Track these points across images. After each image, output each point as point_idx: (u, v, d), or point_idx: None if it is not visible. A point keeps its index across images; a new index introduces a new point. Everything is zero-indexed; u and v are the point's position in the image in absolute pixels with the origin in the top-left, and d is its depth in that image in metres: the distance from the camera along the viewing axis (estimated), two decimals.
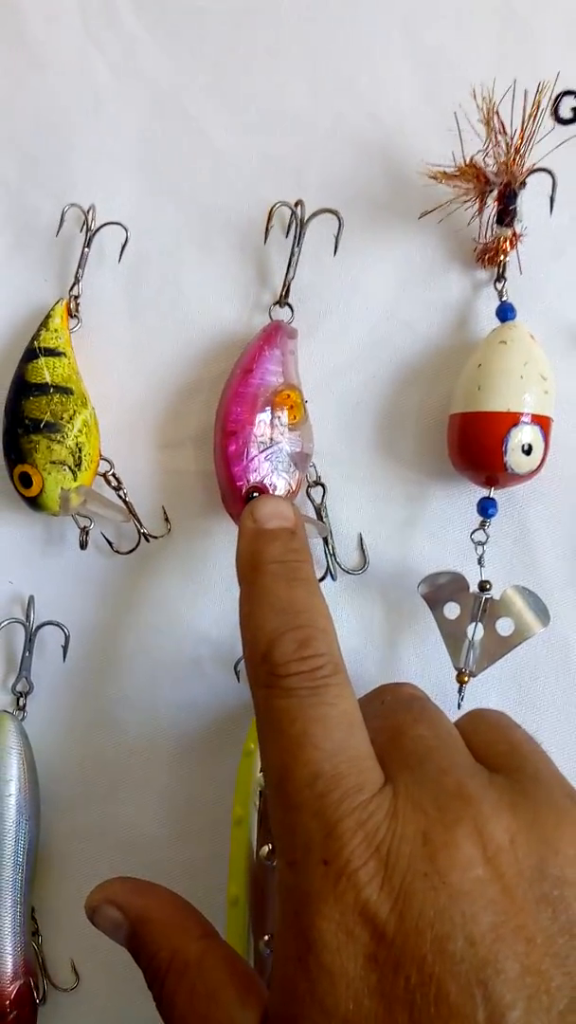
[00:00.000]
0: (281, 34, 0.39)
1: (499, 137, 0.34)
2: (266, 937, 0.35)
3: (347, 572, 0.38)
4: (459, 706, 0.36)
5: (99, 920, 0.30)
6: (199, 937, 0.28)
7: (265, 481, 0.36)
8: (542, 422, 0.35)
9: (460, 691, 0.36)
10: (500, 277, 0.37)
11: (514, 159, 0.34)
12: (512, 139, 0.34)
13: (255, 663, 0.28)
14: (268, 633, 0.28)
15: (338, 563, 0.38)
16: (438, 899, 0.23)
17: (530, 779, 0.27)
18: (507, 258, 0.37)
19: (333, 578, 0.38)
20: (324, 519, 0.38)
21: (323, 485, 0.38)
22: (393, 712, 0.30)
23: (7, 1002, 0.36)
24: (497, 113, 0.34)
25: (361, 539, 0.39)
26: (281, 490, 0.36)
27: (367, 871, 0.24)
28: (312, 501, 0.38)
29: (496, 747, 0.29)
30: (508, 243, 0.36)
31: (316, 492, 0.38)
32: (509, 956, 0.23)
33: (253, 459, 0.36)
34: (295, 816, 0.25)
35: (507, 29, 0.39)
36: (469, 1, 0.39)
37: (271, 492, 0.35)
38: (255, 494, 0.35)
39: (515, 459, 0.34)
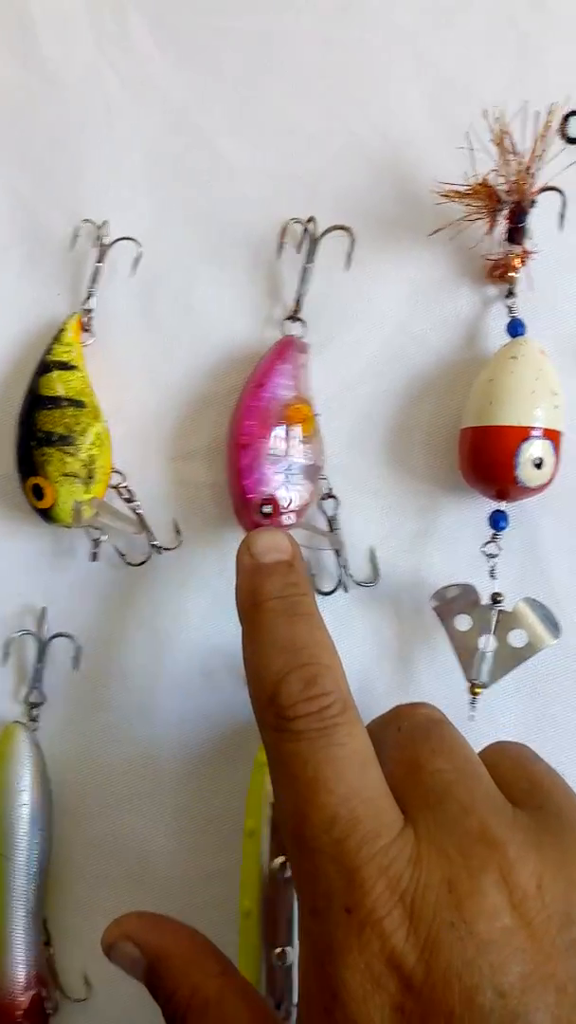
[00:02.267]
0: (296, 55, 0.40)
1: (510, 157, 0.35)
2: (278, 950, 0.36)
3: (359, 585, 0.39)
4: (471, 718, 0.36)
5: (116, 957, 0.30)
6: (217, 974, 0.28)
7: (277, 493, 0.36)
8: (553, 436, 0.35)
9: (472, 703, 0.36)
10: (510, 293, 0.38)
11: (524, 178, 0.35)
12: (523, 159, 0.34)
13: (262, 705, 0.28)
14: (273, 674, 0.28)
15: (350, 575, 0.39)
16: (465, 950, 0.23)
17: (554, 817, 0.26)
18: (517, 275, 0.37)
19: (345, 590, 0.38)
20: (336, 531, 0.39)
21: (335, 497, 0.39)
22: (411, 741, 0.29)
23: (19, 1012, 0.36)
24: (508, 133, 0.34)
25: (373, 552, 0.39)
26: (294, 503, 0.36)
27: (392, 920, 0.24)
28: (324, 513, 0.39)
29: (518, 784, 0.28)
30: (518, 260, 0.37)
31: (328, 504, 0.39)
32: (539, 1007, 0.22)
33: (265, 472, 0.36)
34: (314, 862, 0.25)
35: (517, 51, 0.39)
36: (479, 24, 0.39)
37: (283, 505, 0.36)
38: (267, 507, 0.36)
39: (526, 473, 0.35)
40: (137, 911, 0.31)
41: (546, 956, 0.23)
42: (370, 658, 0.39)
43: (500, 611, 0.36)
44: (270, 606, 0.30)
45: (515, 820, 0.26)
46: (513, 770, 0.29)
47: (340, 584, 0.38)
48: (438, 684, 0.38)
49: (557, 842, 0.25)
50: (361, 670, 0.39)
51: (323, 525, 0.39)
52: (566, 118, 0.39)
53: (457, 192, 0.35)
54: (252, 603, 0.31)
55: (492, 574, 0.36)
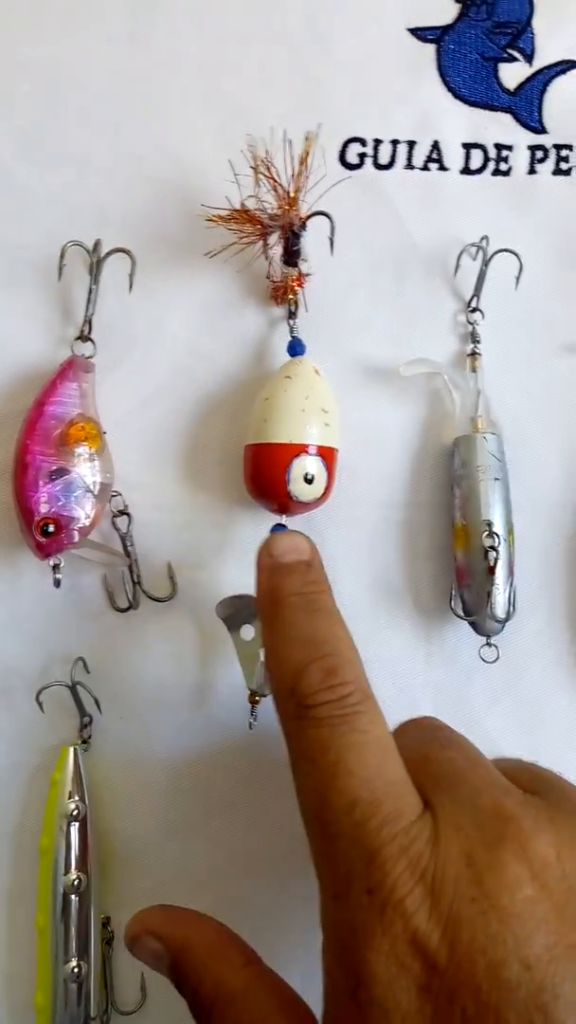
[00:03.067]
0: (85, 82, 0.40)
1: (275, 185, 0.36)
2: (72, 965, 0.36)
3: (155, 600, 0.39)
4: (250, 726, 0.37)
5: (139, 951, 0.30)
6: (243, 965, 0.28)
7: (60, 512, 0.36)
8: (325, 453, 0.36)
9: (252, 712, 0.37)
10: (291, 314, 0.39)
11: (289, 203, 0.36)
12: (287, 186, 0.36)
13: (283, 696, 0.28)
14: (293, 665, 0.28)
15: (144, 591, 0.39)
16: (488, 924, 0.23)
17: (563, 800, 0.27)
18: (296, 296, 0.39)
19: (136, 607, 0.39)
20: (130, 548, 0.39)
21: (128, 515, 0.39)
22: (419, 742, 0.30)
23: None
24: (268, 161, 0.35)
25: (170, 567, 0.40)
26: (80, 521, 0.37)
27: (413, 899, 0.24)
28: (118, 530, 0.39)
29: (521, 776, 0.29)
30: (295, 282, 0.38)
31: (121, 521, 0.39)
32: (567, 978, 0.22)
33: (48, 490, 0.36)
34: (335, 846, 0.25)
35: (297, 80, 0.41)
36: (264, 55, 0.41)
37: (67, 523, 0.36)
38: (49, 526, 0.36)
39: (298, 488, 0.36)
40: (160, 904, 0.31)
41: (571, 926, 0.23)
42: (168, 672, 0.39)
43: None
44: (290, 602, 0.30)
45: (527, 799, 0.27)
46: (515, 765, 0.30)
47: (130, 602, 0.39)
48: (234, 694, 0.39)
49: (570, 817, 0.26)
50: (158, 685, 0.39)
51: (116, 543, 0.39)
52: (345, 145, 0.41)
53: (220, 217, 0.36)
54: (272, 600, 0.31)
55: None
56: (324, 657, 0.28)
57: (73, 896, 0.36)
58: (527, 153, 0.41)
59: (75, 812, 0.37)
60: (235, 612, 0.37)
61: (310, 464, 0.36)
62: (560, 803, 0.27)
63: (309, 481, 0.36)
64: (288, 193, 0.35)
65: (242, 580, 0.39)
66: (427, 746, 0.29)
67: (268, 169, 0.35)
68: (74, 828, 0.37)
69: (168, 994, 0.37)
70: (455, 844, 0.24)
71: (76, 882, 0.36)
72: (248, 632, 0.37)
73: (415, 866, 0.24)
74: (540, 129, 0.41)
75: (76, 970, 0.36)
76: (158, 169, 0.40)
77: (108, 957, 0.38)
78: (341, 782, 0.26)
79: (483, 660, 0.38)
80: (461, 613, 0.38)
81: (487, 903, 0.23)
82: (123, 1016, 0.38)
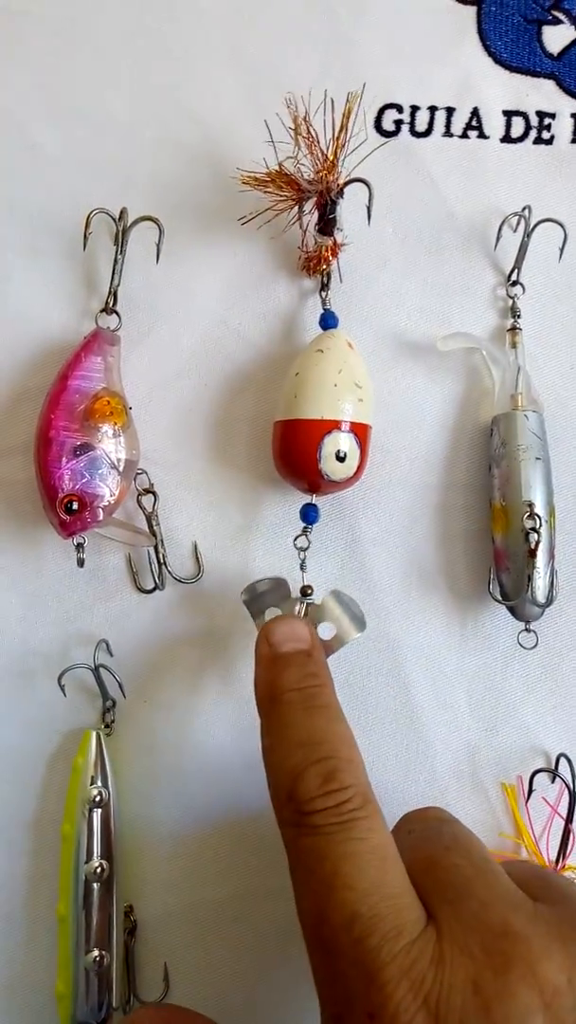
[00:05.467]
0: (105, 40, 0.39)
1: (313, 147, 0.34)
2: (94, 955, 0.35)
3: (180, 581, 0.38)
4: None
5: None
6: None
7: (85, 489, 0.35)
8: (358, 430, 0.35)
9: None
10: (324, 286, 0.37)
11: (328, 168, 0.34)
12: (326, 149, 0.34)
13: (281, 802, 0.27)
14: (290, 769, 0.27)
15: (170, 572, 0.38)
16: None
17: (575, 911, 0.26)
18: (330, 267, 0.37)
19: (161, 588, 0.38)
20: (156, 527, 0.38)
21: (155, 493, 0.38)
22: (424, 842, 0.29)
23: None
24: (308, 122, 0.34)
25: (196, 547, 0.39)
26: (104, 499, 0.35)
27: None
28: (143, 509, 0.38)
29: (533, 882, 0.27)
30: (330, 252, 0.37)
31: (147, 500, 0.38)
32: None
33: (71, 467, 0.35)
34: (334, 965, 0.24)
35: (330, 40, 0.39)
36: (295, 12, 0.39)
37: (91, 501, 0.35)
38: (73, 503, 0.35)
39: (329, 466, 0.34)
40: (154, 1005, 0.31)
41: None
42: (193, 655, 0.38)
43: (309, 604, 0.35)
44: (287, 698, 0.30)
45: (536, 914, 0.25)
46: (526, 869, 0.29)
47: (156, 582, 0.38)
48: None
49: None
50: (183, 669, 0.38)
51: (142, 521, 0.38)
52: (381, 112, 0.39)
53: (256, 179, 0.34)
54: (270, 696, 0.30)
55: (303, 567, 0.36)
56: (322, 760, 0.27)
57: (95, 884, 0.35)
58: (571, 121, 0.40)
59: (98, 798, 0.36)
60: (258, 596, 0.36)
61: (343, 441, 0.34)
62: (573, 919, 0.25)
63: (341, 459, 0.35)
64: (327, 156, 0.34)
65: (270, 561, 0.39)
66: (432, 847, 0.28)
67: (308, 129, 0.33)
68: (96, 814, 0.36)
69: (192, 985, 0.37)
70: (461, 968, 0.23)
71: (98, 870, 0.35)
72: (273, 615, 0.36)
73: (418, 990, 0.23)
74: None
75: (98, 960, 0.35)
76: (184, 132, 0.39)
77: (130, 946, 0.37)
78: (339, 896, 0.25)
79: (521, 646, 0.37)
80: (499, 597, 0.37)
81: None
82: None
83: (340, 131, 0.34)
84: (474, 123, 0.40)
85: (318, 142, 0.34)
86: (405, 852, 0.27)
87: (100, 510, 0.35)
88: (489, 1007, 0.22)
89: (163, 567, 0.38)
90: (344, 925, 0.24)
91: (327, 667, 0.32)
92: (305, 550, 0.36)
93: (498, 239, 0.39)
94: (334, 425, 0.34)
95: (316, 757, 0.27)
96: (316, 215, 0.36)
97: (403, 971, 0.23)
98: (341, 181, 0.35)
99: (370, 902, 0.24)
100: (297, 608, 0.35)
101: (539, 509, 0.35)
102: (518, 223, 0.38)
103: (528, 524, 0.35)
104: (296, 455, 0.35)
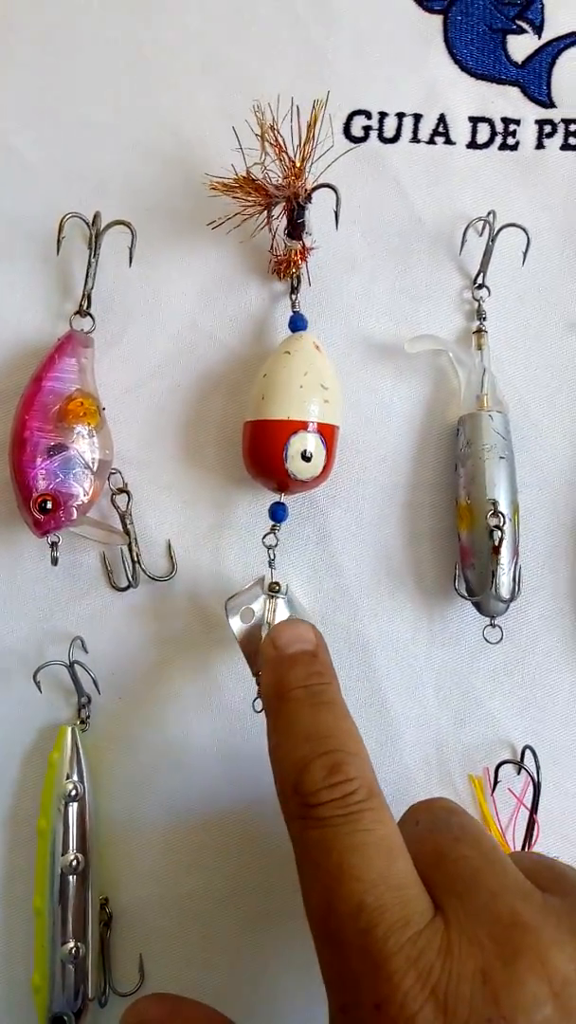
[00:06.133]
0: (81, 47, 0.40)
1: (281, 153, 0.35)
2: (69, 946, 0.35)
3: (154, 579, 0.39)
4: (255, 709, 0.36)
5: None
6: None
7: (59, 488, 0.36)
8: (324, 430, 0.36)
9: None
10: (294, 289, 0.38)
11: (295, 174, 0.35)
12: (293, 155, 0.35)
13: (286, 795, 0.27)
14: (296, 762, 0.27)
15: (143, 570, 0.39)
16: None
17: None
18: (299, 271, 0.38)
19: (135, 586, 0.38)
20: (129, 526, 0.39)
21: (128, 492, 0.39)
22: (431, 833, 0.28)
23: None
24: (276, 130, 0.35)
25: (169, 546, 0.39)
26: (78, 498, 0.36)
27: (424, 1017, 0.22)
28: (117, 508, 0.39)
29: (542, 873, 0.27)
30: (299, 256, 0.38)
31: (121, 499, 0.39)
32: None
33: (44, 466, 0.36)
34: (341, 956, 0.24)
35: (301, 49, 0.40)
36: (267, 26, 0.40)
37: (65, 500, 0.36)
38: (47, 503, 0.35)
39: (296, 465, 0.35)
40: (156, 994, 0.31)
41: None
42: (165, 653, 0.39)
43: (278, 601, 0.36)
44: (294, 695, 0.30)
45: (546, 905, 0.25)
46: (534, 860, 0.29)
47: (129, 580, 0.38)
48: (237, 678, 0.38)
49: None
50: (157, 665, 0.39)
51: (116, 520, 0.39)
52: (350, 118, 0.40)
53: (224, 184, 0.35)
54: (277, 694, 0.30)
55: (271, 565, 0.37)
56: (328, 753, 0.28)
57: (71, 877, 0.36)
58: (535, 127, 0.41)
59: (73, 792, 0.36)
60: (238, 599, 0.37)
61: (309, 441, 0.35)
62: None
63: (307, 459, 0.35)
64: (294, 163, 0.35)
65: (242, 559, 0.39)
66: (439, 838, 0.28)
67: (275, 136, 0.34)
68: (72, 808, 0.36)
69: (167, 976, 0.37)
70: (470, 958, 0.23)
71: (74, 863, 0.36)
72: (248, 616, 0.37)
73: (425, 980, 0.23)
74: (548, 103, 0.41)
75: (74, 951, 0.36)
76: (158, 138, 0.40)
77: (106, 938, 0.37)
78: (346, 887, 0.25)
79: (487, 641, 0.38)
80: (465, 593, 0.37)
81: None
82: (121, 997, 0.37)
83: (308, 136, 0.35)
84: (441, 129, 0.40)
85: (285, 149, 0.35)
86: (412, 843, 0.27)
87: (74, 509, 0.36)
88: (498, 997, 0.22)
89: (137, 565, 0.39)
90: (351, 916, 0.24)
91: (332, 667, 0.32)
92: (274, 547, 0.37)
93: (463, 243, 0.40)
94: (300, 425, 0.35)
95: (322, 750, 0.28)
96: (285, 220, 0.37)
97: (410, 961, 0.23)
98: (309, 186, 0.36)
99: (377, 893, 0.24)
100: (261, 601, 0.36)
101: (503, 507, 0.36)
102: (483, 228, 0.39)
103: (492, 522, 0.36)
104: (263, 455, 0.36)
